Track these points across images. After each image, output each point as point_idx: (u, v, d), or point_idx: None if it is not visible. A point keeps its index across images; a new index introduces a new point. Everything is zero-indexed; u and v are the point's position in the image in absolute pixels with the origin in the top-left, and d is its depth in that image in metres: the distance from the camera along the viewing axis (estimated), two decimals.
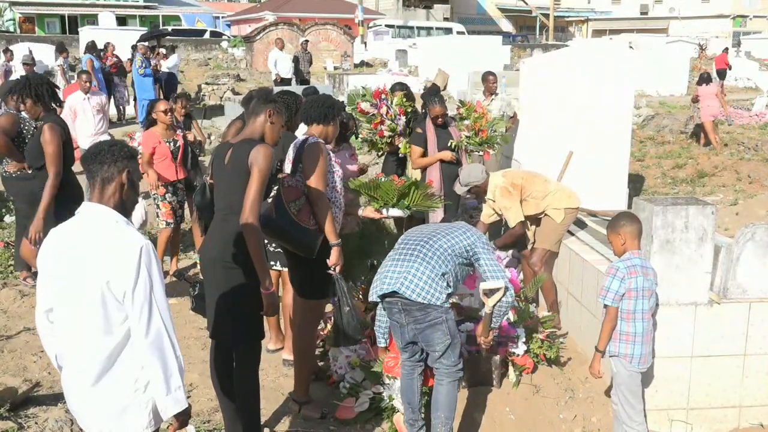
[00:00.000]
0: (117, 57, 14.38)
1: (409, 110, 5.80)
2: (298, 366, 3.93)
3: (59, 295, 2.23)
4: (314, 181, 3.59)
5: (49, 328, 2.32)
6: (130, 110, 14.23)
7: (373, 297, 3.49)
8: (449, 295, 3.41)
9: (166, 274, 6.11)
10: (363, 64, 23.66)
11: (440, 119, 5.75)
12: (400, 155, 5.79)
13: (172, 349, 2.18)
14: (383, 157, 6.13)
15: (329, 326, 4.52)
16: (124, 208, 2.29)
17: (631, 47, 18.05)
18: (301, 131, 4.02)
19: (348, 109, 5.80)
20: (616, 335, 3.49)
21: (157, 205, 5.92)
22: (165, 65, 14.12)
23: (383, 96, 5.71)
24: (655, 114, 13.29)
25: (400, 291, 3.33)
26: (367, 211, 4.31)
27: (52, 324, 2.30)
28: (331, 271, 3.63)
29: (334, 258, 3.60)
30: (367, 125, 5.78)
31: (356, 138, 5.63)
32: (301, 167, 3.67)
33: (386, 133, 5.67)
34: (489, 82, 7.81)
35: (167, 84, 14.07)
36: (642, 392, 3.63)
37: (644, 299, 3.44)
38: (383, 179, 4.39)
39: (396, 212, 4.32)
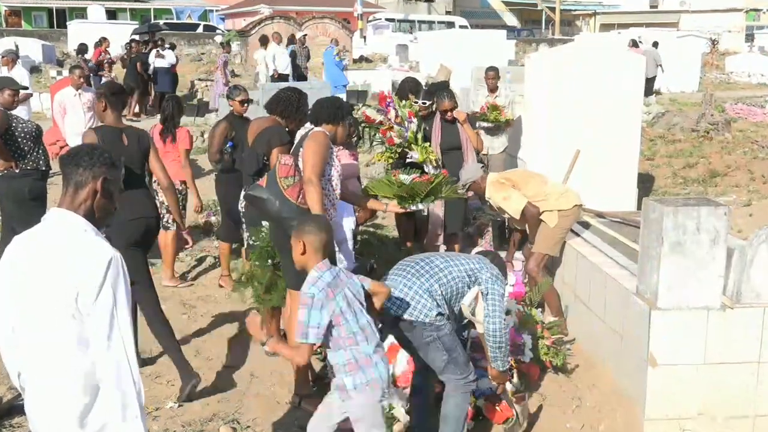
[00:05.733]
0: (108, 53, 14.39)
1: (416, 109, 5.65)
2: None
3: (23, 310, 2.11)
4: (310, 166, 3.72)
5: (13, 340, 2.16)
6: None
7: None
8: (441, 314, 3.32)
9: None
10: (362, 59, 23.64)
11: (449, 114, 5.73)
12: (411, 160, 5.54)
13: (131, 377, 2.06)
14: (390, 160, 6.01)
15: None
16: (94, 218, 2.17)
17: (640, 42, 18.04)
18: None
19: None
20: (341, 368, 2.91)
21: (167, 207, 5.83)
22: (162, 62, 14.18)
23: (389, 100, 5.56)
24: (665, 111, 13.28)
25: (385, 307, 3.29)
26: (391, 207, 4.35)
27: (16, 336, 2.15)
28: None
29: None
30: (377, 134, 5.66)
31: (359, 139, 5.61)
32: (301, 151, 3.78)
33: (396, 141, 5.50)
34: (487, 77, 7.79)
35: (163, 80, 14.14)
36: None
37: (355, 316, 2.89)
38: (404, 176, 4.36)
39: (422, 206, 4.38)
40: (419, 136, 5.57)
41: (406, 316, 3.28)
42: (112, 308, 2.04)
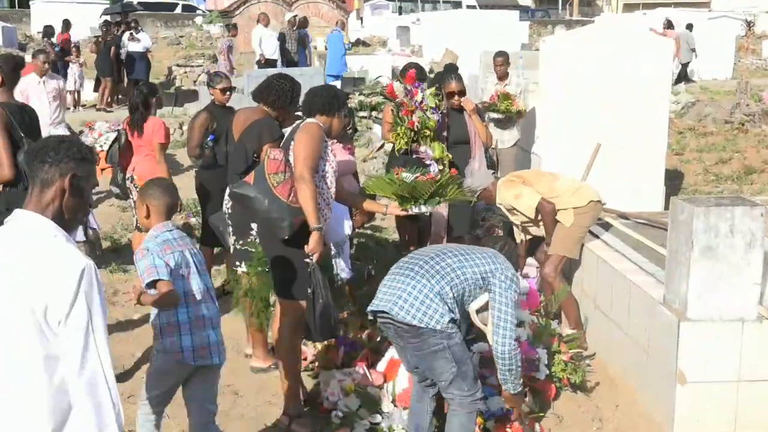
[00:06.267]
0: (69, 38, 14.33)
1: (442, 107, 5.66)
2: (283, 376, 4.03)
3: None
4: (301, 161, 3.73)
5: None
6: (86, 95, 14.21)
7: (367, 310, 3.53)
8: (453, 320, 3.32)
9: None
10: (359, 42, 23.65)
11: (456, 98, 5.73)
12: (419, 156, 5.54)
13: (108, 395, 2.07)
14: (389, 153, 5.95)
15: (318, 345, 4.53)
16: (64, 220, 2.15)
17: (670, 24, 18.08)
18: None
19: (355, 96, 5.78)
20: (157, 329, 3.25)
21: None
22: (136, 45, 14.16)
23: (419, 83, 5.50)
24: (696, 101, 13.30)
25: (392, 312, 3.29)
26: (392, 208, 4.33)
27: None
28: (307, 260, 3.71)
29: (312, 244, 3.70)
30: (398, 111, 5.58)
31: (355, 132, 5.60)
32: (292, 145, 3.81)
33: (417, 125, 5.46)
34: (496, 64, 7.79)
35: (138, 67, 14.11)
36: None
37: (184, 280, 3.21)
38: (406, 175, 4.37)
39: (426, 209, 4.34)
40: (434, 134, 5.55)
41: (415, 323, 3.25)
42: (87, 323, 2.03)
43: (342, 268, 4.55)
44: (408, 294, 3.29)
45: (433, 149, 5.49)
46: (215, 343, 3.27)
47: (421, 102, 5.46)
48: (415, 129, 5.47)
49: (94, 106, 13.81)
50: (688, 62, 17.12)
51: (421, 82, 5.69)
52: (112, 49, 13.96)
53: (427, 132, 5.50)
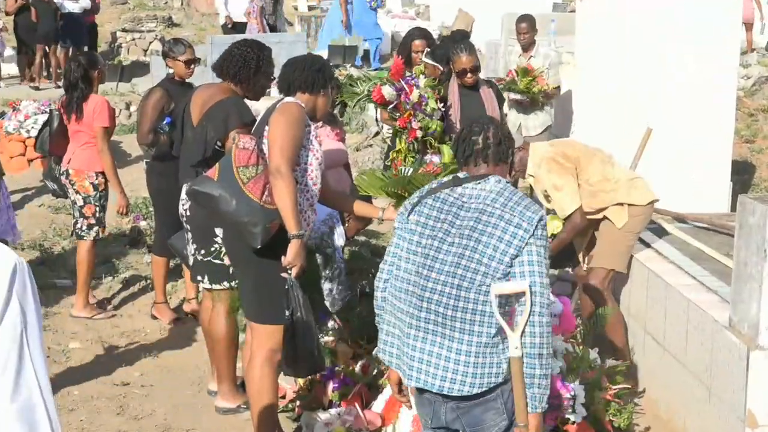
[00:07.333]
0: None
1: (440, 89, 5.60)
2: (256, 417, 4.02)
3: None
4: (277, 151, 3.73)
5: None
6: (8, 67, 14.13)
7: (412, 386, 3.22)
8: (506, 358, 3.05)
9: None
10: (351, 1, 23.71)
11: (469, 75, 5.75)
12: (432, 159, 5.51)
13: (48, 423, 2.04)
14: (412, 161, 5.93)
15: (300, 380, 4.54)
16: None
17: None
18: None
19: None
20: None
21: (80, 208, 5.86)
22: (73, 5, 14.09)
23: (409, 77, 5.40)
24: None
25: (445, 390, 3.04)
26: (389, 212, 4.29)
27: None
28: (285, 274, 3.74)
29: (291, 254, 3.71)
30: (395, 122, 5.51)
31: (345, 108, 5.57)
32: (266, 130, 3.82)
33: (419, 134, 5.39)
34: (519, 32, 7.73)
35: (76, 32, 14.03)
36: None
37: None
38: (405, 169, 4.37)
39: None
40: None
41: (476, 390, 3.03)
42: (21, 333, 2.00)
43: (340, 234, 4.55)
44: (456, 362, 3.01)
45: (442, 154, 5.41)
46: None
47: (419, 102, 5.35)
48: (418, 139, 5.40)
49: (20, 77, 13.74)
50: None
51: (411, 71, 5.58)
52: (59, 14, 13.70)
53: (433, 141, 5.43)
